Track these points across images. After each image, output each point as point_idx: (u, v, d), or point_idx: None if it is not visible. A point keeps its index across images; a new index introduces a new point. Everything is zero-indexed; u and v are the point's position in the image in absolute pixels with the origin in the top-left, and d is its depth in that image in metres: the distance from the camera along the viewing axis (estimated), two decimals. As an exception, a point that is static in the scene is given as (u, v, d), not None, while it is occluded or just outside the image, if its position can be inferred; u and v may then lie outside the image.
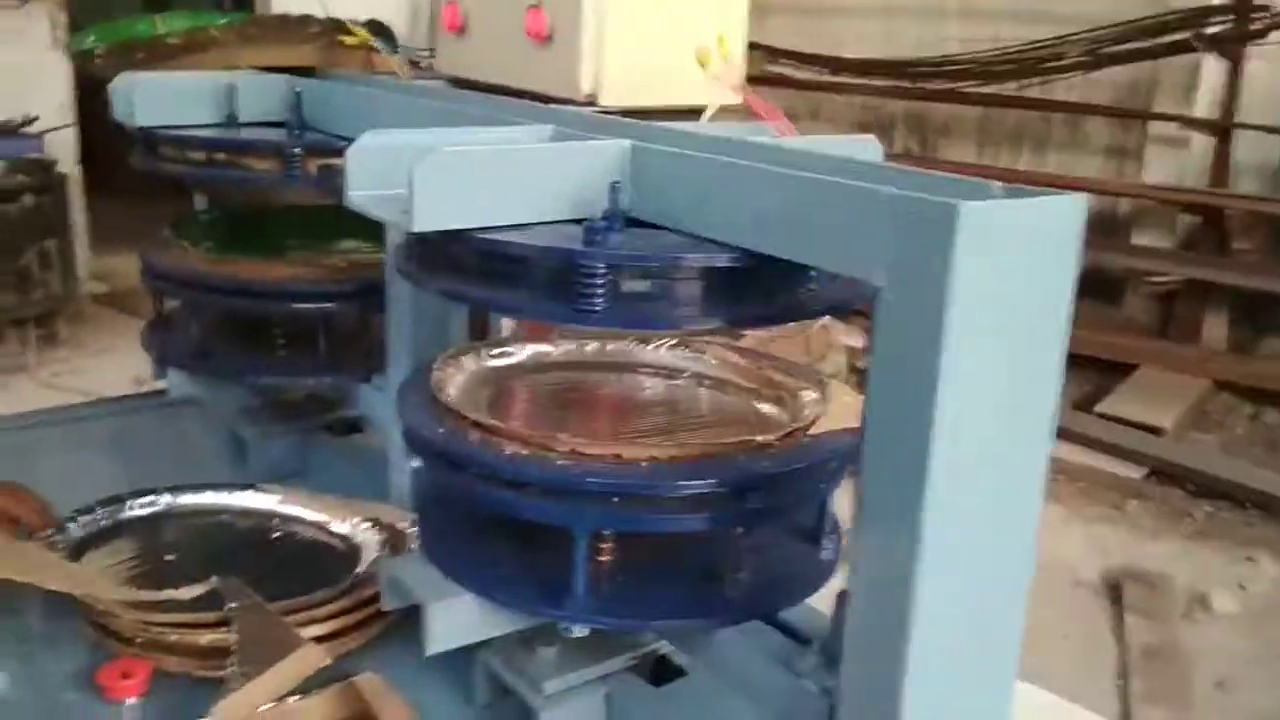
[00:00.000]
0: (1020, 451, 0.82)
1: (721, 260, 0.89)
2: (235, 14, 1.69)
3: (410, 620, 1.19)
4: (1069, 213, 0.80)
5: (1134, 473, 4.33)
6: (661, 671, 1.19)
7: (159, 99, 1.47)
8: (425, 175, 0.88)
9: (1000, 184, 0.83)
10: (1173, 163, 5.10)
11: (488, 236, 0.93)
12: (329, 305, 1.53)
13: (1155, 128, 5.07)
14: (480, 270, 0.97)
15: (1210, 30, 4.68)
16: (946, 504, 0.78)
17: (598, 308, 0.89)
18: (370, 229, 1.75)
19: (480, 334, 1.40)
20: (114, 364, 4.76)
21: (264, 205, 1.83)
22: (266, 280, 1.51)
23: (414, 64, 1.94)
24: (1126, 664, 3.24)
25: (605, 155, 0.96)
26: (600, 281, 0.89)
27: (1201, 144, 4.98)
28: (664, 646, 1.20)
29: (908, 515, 0.78)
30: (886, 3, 5.63)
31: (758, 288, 0.94)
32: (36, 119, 4.94)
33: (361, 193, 0.98)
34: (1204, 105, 4.92)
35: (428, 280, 1.03)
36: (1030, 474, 0.84)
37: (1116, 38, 4.79)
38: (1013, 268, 0.77)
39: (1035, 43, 4.97)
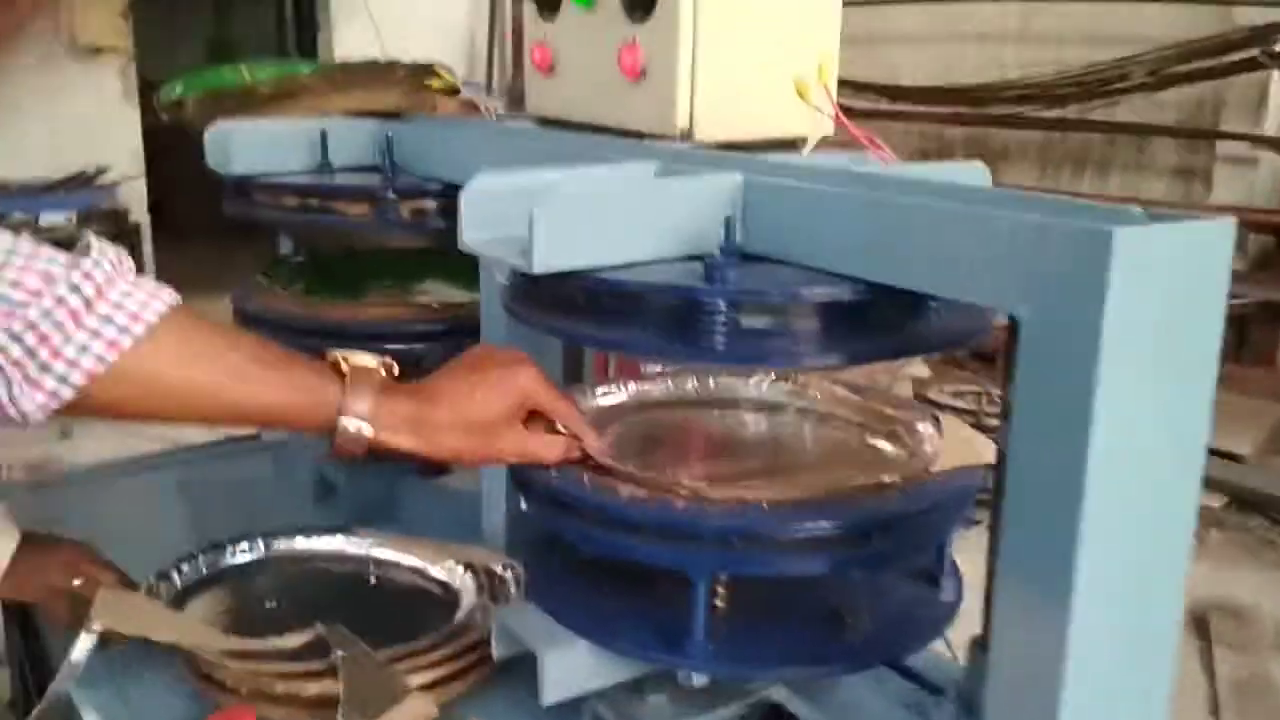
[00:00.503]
0: (1174, 491, 0.79)
1: (846, 294, 0.86)
2: (319, 62, 1.71)
3: (510, 668, 1.17)
4: (1219, 237, 0.76)
5: (1213, 501, 4.22)
6: (776, 717, 1.16)
7: (254, 147, 1.49)
8: (545, 216, 0.87)
9: (1138, 208, 0.80)
10: (1242, 183, 5.00)
11: (604, 275, 0.91)
12: (421, 345, 1.53)
13: (1223, 147, 4.98)
14: (595, 309, 0.96)
15: (1278, 47, 4.59)
16: (1101, 548, 0.74)
17: (720, 345, 0.88)
18: (457, 269, 1.77)
19: (575, 372, 1.38)
20: (184, 406, 4.83)
21: (351, 248, 1.84)
22: (360, 321, 1.51)
23: (473, 105, 1.95)
24: (1218, 698, 3.13)
25: (718, 189, 0.95)
26: (722, 318, 0.87)
27: (1271, 163, 4.88)
28: (776, 694, 1.16)
29: (1058, 561, 0.75)
30: (943, 29, 5.60)
31: (879, 322, 0.92)
32: (109, 169, 5.08)
33: (477, 235, 0.97)
34: (1274, 123, 4.83)
35: (538, 320, 1.02)
36: (1183, 514, 0.80)
37: (1181, 57, 4.71)
38: (1166, 297, 0.74)
39: (1098, 64, 4.91)
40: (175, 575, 1.33)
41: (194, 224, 8.24)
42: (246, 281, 1.71)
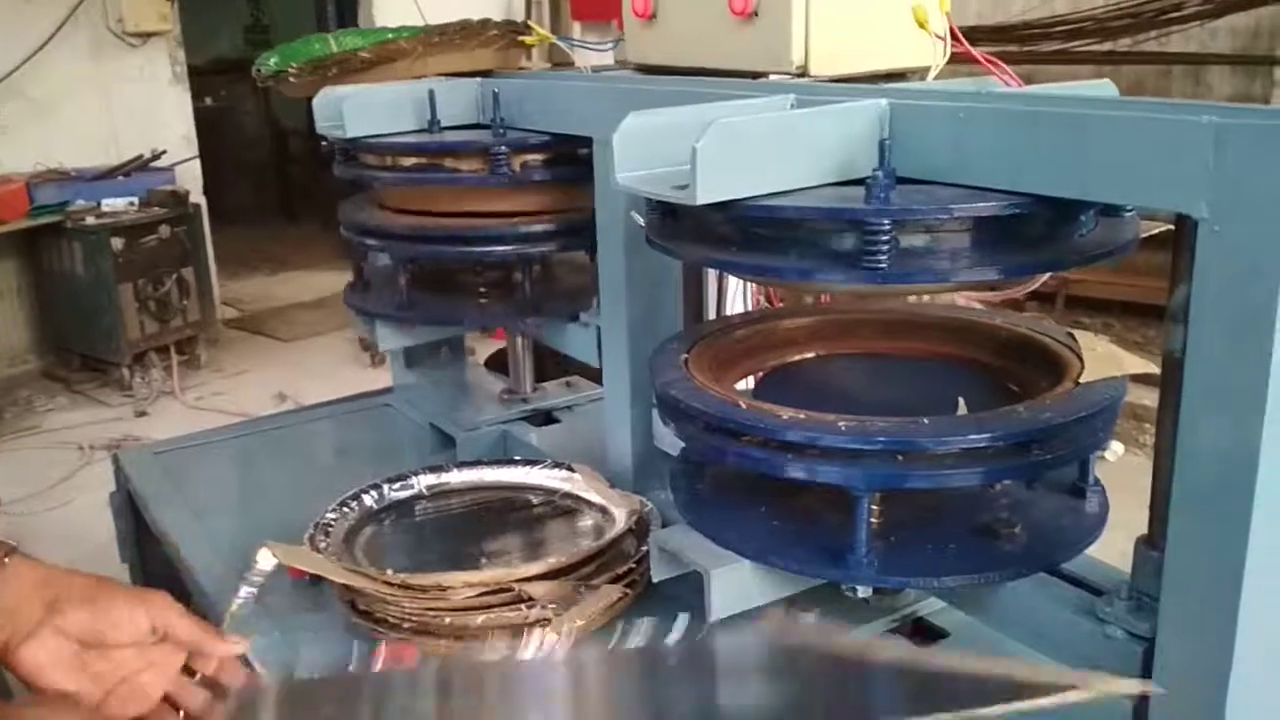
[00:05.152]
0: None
1: (1010, 208, 0.88)
2: (410, 27, 1.73)
3: (658, 590, 1.22)
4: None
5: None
6: (921, 633, 1.19)
7: (365, 111, 1.52)
8: (708, 148, 0.90)
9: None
10: (1300, 108, 4.90)
11: (761, 204, 0.94)
12: (530, 247, 1.58)
13: (1281, 73, 4.89)
14: (748, 238, 0.98)
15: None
16: (1283, 442, 0.77)
17: (882, 265, 0.90)
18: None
19: (696, 306, 1.41)
20: (252, 384, 4.94)
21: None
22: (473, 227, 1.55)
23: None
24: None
25: (869, 115, 0.97)
26: (885, 239, 0.89)
27: (1331, 86, 4.78)
28: (922, 608, 1.20)
29: (1240, 453, 0.77)
30: (987, -33, 5.52)
31: (1036, 236, 0.94)
32: (164, 152, 5.15)
33: (629, 174, 1.00)
34: (1333, 45, 4.73)
35: (688, 254, 1.05)
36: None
37: (1237, -18, 4.63)
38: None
39: (1150, -6, 4.83)
40: (335, 516, 1.38)
41: (239, 206, 8.38)
42: (350, 199, 1.75)
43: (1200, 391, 0.80)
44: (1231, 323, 0.77)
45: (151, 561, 1.82)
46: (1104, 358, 1.11)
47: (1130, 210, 1.01)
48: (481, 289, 1.72)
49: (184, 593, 1.58)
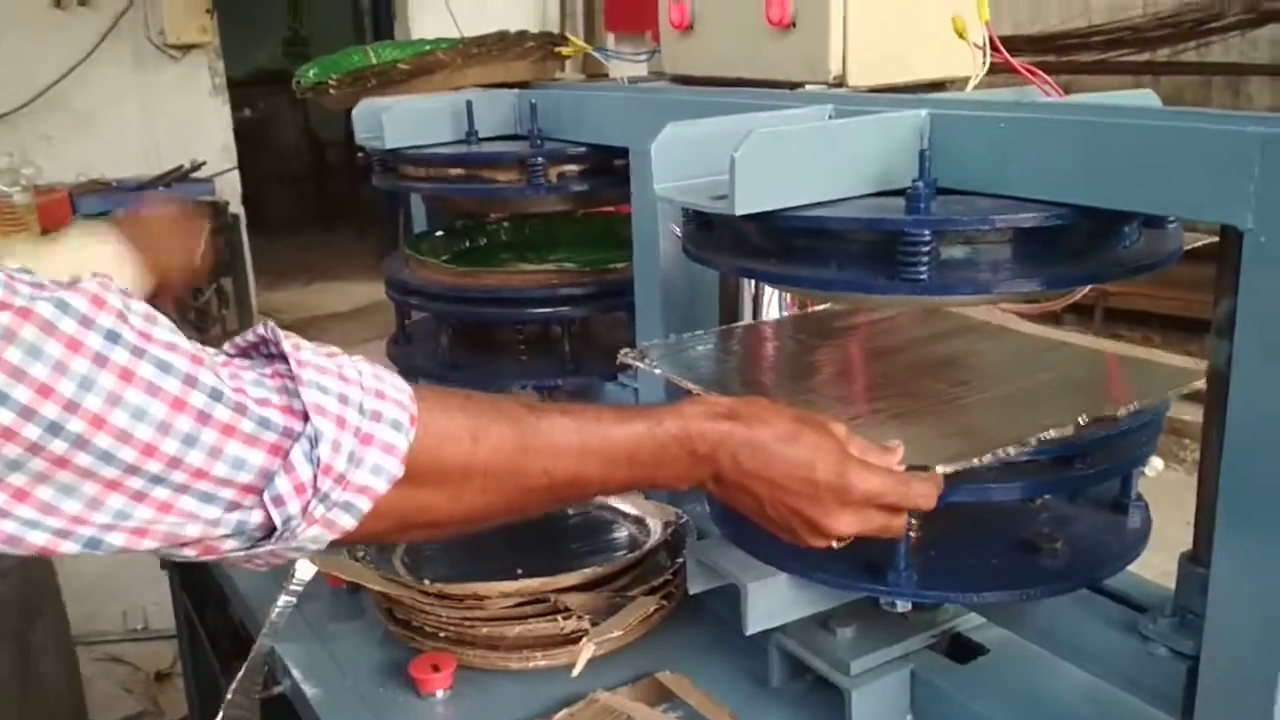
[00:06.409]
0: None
1: (1055, 220, 0.88)
2: (447, 39, 1.76)
3: (691, 602, 1.22)
4: None
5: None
6: (960, 649, 1.18)
7: (404, 122, 1.54)
8: (746, 158, 0.90)
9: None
10: (1345, 117, 4.82)
11: (800, 214, 0.94)
12: (570, 309, 1.58)
13: (1324, 82, 4.82)
14: (787, 249, 0.98)
15: (1382, -27, 4.42)
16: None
17: (922, 276, 0.90)
18: (585, 238, 1.82)
19: (732, 300, 1.41)
20: (289, 392, 4.98)
21: (483, 221, 1.90)
22: (513, 287, 1.56)
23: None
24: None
25: (909, 125, 0.97)
26: (925, 250, 0.89)
27: (1376, 95, 4.71)
28: (961, 624, 1.19)
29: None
30: (1024, -23, 5.49)
31: (1079, 248, 0.93)
32: (204, 163, 5.22)
33: (667, 184, 1.00)
34: (1378, 53, 4.65)
35: (726, 264, 1.05)
36: None
37: (1278, -9, 4.57)
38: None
39: (1191, 3, 4.78)
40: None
41: (277, 216, 8.49)
42: (393, 255, 1.77)
43: (1246, 406, 0.78)
44: (1278, 336, 0.75)
45: (191, 569, 1.84)
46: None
47: (1174, 221, 1.00)
48: (522, 345, 1.74)
49: (224, 600, 1.60)
